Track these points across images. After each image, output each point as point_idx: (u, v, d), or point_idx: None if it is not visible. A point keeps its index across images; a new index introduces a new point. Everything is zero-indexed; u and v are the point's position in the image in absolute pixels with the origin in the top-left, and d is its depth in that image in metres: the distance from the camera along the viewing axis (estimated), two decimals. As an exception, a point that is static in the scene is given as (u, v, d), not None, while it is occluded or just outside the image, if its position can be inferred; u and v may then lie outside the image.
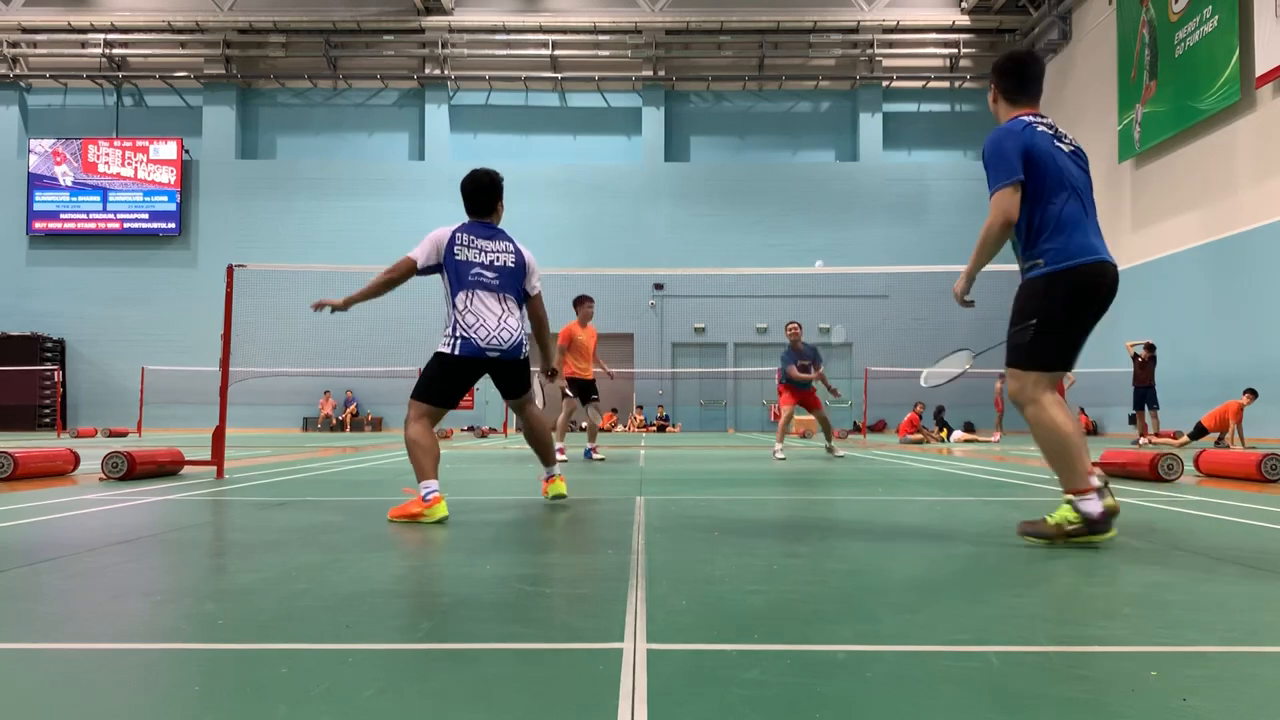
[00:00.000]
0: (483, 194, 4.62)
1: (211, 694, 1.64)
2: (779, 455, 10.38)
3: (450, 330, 4.41)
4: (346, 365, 25.32)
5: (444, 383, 4.44)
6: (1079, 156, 3.61)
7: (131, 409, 23.89)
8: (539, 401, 9.92)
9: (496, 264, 4.51)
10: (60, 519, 4.33)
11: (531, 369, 5.00)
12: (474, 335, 4.38)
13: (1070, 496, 3.36)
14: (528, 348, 4.62)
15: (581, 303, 10.04)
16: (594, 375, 10.12)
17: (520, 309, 4.63)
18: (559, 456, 9.66)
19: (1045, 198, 3.44)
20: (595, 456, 9.96)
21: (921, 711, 1.55)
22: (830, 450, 10.88)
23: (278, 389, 24.89)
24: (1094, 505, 3.31)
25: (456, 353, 4.38)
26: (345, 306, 4.56)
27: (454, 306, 4.43)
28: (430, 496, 4.20)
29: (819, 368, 10.76)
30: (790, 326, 10.75)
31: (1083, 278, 3.42)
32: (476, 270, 4.45)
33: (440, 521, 4.15)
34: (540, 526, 4.18)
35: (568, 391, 9.94)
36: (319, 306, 4.71)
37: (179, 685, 1.73)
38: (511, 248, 4.61)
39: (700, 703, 1.58)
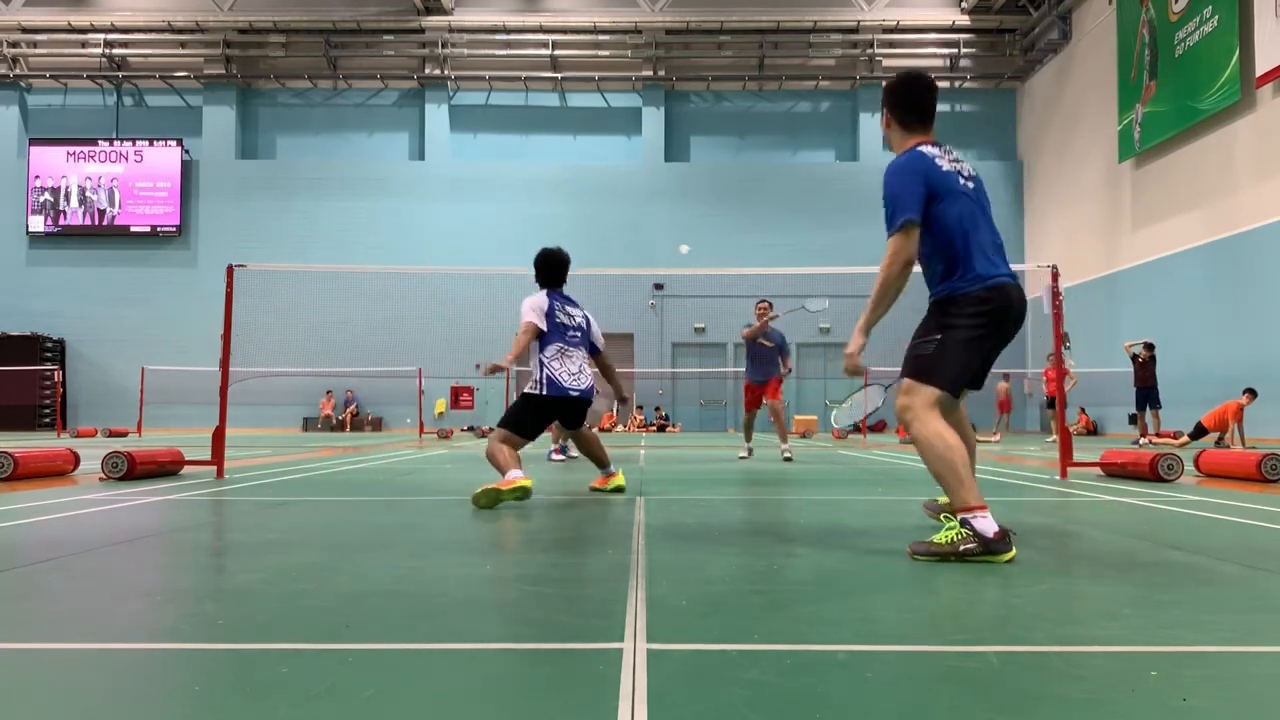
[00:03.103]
0: (561, 270, 5.70)
1: (211, 694, 1.64)
2: (741, 455, 10.15)
3: (539, 376, 5.36)
4: (346, 365, 25.33)
5: (532, 419, 5.37)
6: (975, 182, 3.52)
7: (131, 409, 23.89)
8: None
9: (578, 325, 5.60)
10: (60, 519, 4.33)
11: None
12: (560, 379, 5.37)
13: (964, 515, 3.13)
14: (594, 394, 5.61)
15: None
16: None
17: (589, 357, 5.68)
18: (556, 457, 9.84)
19: (943, 229, 3.36)
20: (557, 458, 9.81)
21: (921, 711, 1.55)
22: (784, 452, 10.12)
23: (278, 389, 24.88)
24: (988, 524, 3.09)
25: (545, 393, 5.33)
26: (506, 367, 5.32)
27: (543, 355, 5.41)
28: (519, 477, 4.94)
29: (785, 358, 10.24)
30: (760, 305, 10.09)
31: (993, 296, 3.32)
32: (569, 332, 5.52)
33: (527, 492, 4.88)
34: (540, 526, 4.18)
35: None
36: (491, 371, 5.40)
37: (179, 685, 1.73)
38: (581, 312, 5.72)
39: (700, 703, 1.58)
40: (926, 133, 3.55)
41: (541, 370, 5.38)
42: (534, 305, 5.50)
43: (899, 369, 3.59)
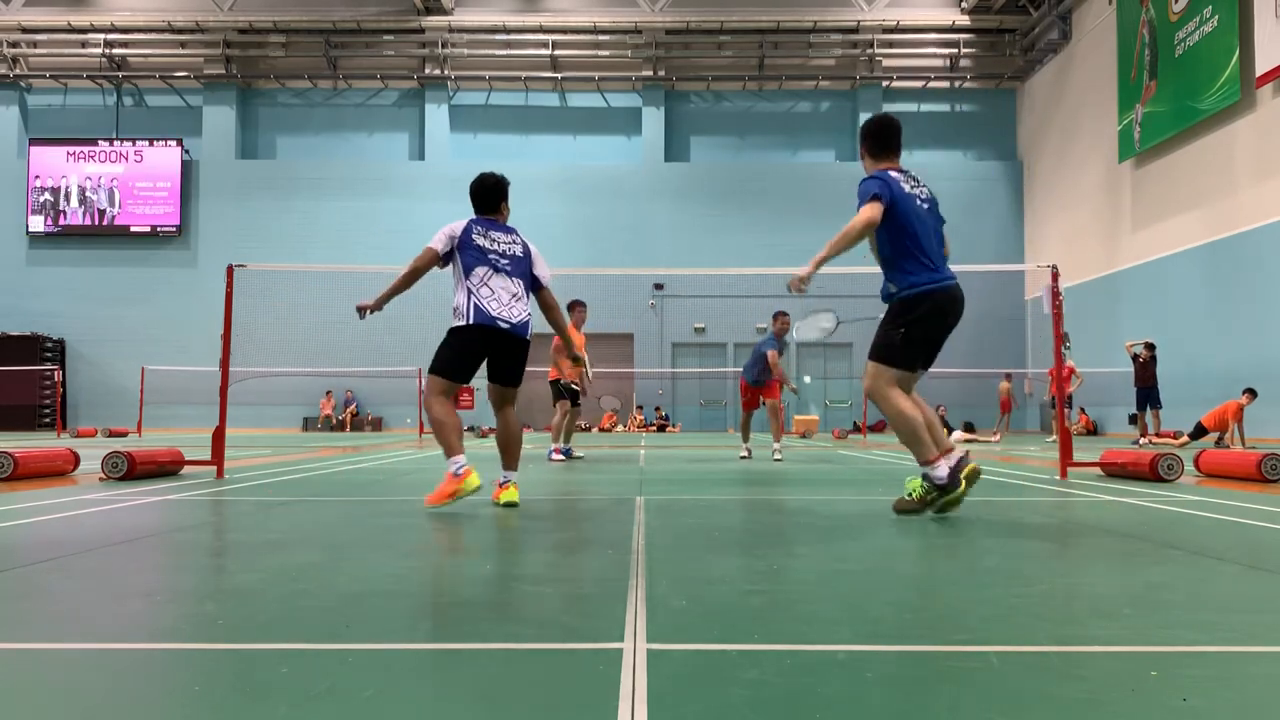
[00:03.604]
0: (489, 194, 4.98)
1: (211, 694, 1.64)
2: (741, 455, 10.45)
3: (464, 306, 4.64)
4: (346, 365, 25.32)
5: (458, 355, 4.66)
6: (930, 204, 4.40)
7: (131, 409, 23.88)
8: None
9: (508, 252, 4.84)
10: (60, 519, 4.33)
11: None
12: (487, 306, 4.63)
13: (924, 469, 4.06)
14: (530, 334, 4.83)
15: (576, 307, 10.14)
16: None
17: (528, 295, 4.87)
18: (556, 457, 9.89)
19: (903, 237, 4.24)
20: (555, 458, 9.94)
21: (921, 711, 1.55)
22: (774, 452, 10.14)
23: (278, 389, 24.88)
24: (940, 470, 3.99)
25: (470, 321, 4.60)
26: (380, 306, 4.91)
27: (469, 283, 4.67)
28: (460, 471, 4.49)
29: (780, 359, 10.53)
30: (783, 317, 10.17)
31: (934, 295, 4.22)
32: (492, 255, 4.77)
33: (477, 490, 4.51)
34: (540, 527, 4.18)
35: (580, 389, 10.17)
36: (362, 309, 4.98)
37: (179, 685, 1.73)
38: (518, 240, 4.95)
39: (700, 703, 1.58)
40: (893, 162, 4.48)
41: (467, 298, 4.64)
42: (445, 229, 4.83)
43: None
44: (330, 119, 28.36)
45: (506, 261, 4.79)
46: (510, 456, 4.91)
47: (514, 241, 4.92)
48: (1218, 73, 17.88)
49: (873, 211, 4.15)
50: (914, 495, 4.10)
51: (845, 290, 25.82)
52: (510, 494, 4.80)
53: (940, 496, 3.92)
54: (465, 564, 3.08)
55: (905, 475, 7.63)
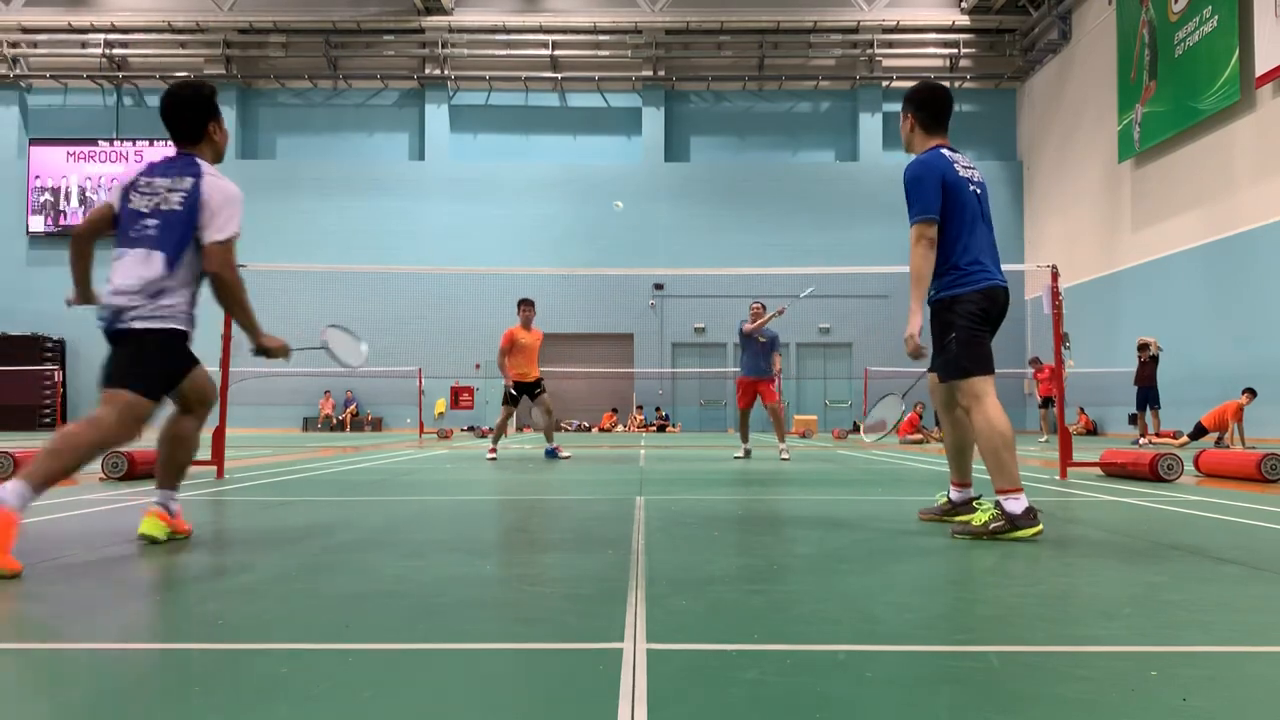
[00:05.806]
0: (176, 112, 3.54)
1: (211, 694, 1.64)
2: (737, 455, 10.35)
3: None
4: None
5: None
6: (981, 188, 3.90)
7: (131, 409, 23.85)
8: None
9: (162, 208, 3.33)
10: (60, 519, 4.33)
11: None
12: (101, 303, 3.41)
13: (999, 496, 3.60)
14: (143, 315, 3.39)
15: (522, 305, 10.13)
16: (539, 375, 10.23)
17: (174, 270, 3.32)
18: (489, 456, 9.68)
19: (951, 230, 3.74)
20: (561, 455, 10.02)
21: (921, 711, 1.55)
22: (781, 452, 10.20)
23: (278, 389, 24.86)
24: (1018, 504, 3.54)
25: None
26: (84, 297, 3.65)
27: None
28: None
29: (777, 353, 10.37)
30: (754, 306, 10.30)
31: (983, 299, 3.72)
32: (139, 223, 3.33)
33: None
34: (540, 526, 4.19)
35: (512, 393, 10.06)
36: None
37: (179, 685, 1.73)
38: (188, 185, 3.37)
39: (700, 703, 1.58)
40: (943, 137, 3.96)
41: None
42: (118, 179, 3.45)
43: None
44: (330, 119, 28.36)
45: (152, 227, 3.31)
46: (169, 473, 3.63)
47: (180, 187, 3.35)
48: (1217, 73, 17.88)
49: (923, 230, 3.69)
50: (982, 521, 3.61)
51: (847, 290, 25.94)
52: (149, 524, 3.47)
53: (1009, 529, 3.49)
54: (465, 564, 3.08)
55: (906, 475, 7.63)
